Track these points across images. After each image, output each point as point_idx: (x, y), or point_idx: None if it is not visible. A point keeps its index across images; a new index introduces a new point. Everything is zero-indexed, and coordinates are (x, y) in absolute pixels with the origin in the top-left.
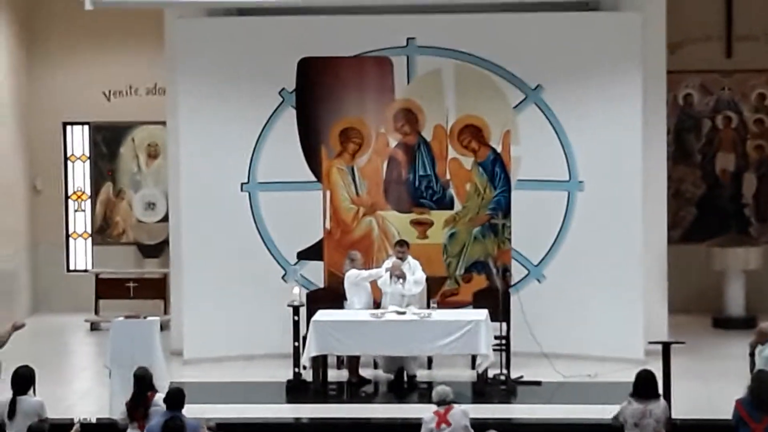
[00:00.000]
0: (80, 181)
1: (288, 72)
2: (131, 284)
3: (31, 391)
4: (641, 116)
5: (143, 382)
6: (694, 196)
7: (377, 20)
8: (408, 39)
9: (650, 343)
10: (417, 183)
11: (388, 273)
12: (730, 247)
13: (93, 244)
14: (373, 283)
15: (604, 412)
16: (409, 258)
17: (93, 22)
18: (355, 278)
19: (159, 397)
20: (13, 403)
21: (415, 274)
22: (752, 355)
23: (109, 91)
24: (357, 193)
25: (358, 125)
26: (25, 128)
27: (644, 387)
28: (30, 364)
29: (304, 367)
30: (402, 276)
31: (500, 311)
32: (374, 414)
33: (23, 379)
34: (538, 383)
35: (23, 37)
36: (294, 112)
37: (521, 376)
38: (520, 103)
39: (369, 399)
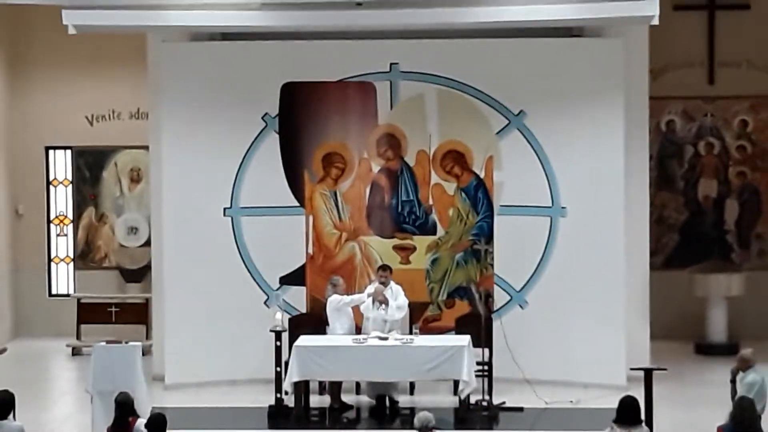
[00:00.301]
0: (62, 205)
1: (271, 97)
2: (113, 309)
3: (11, 416)
4: (623, 142)
5: (124, 407)
6: (677, 223)
7: (360, 45)
8: (391, 64)
9: (632, 369)
10: (400, 208)
11: (371, 298)
12: (712, 274)
13: (75, 268)
14: (356, 309)
15: None
16: (392, 283)
17: (76, 46)
18: (337, 303)
19: (140, 423)
20: None
21: (398, 299)
22: (733, 381)
23: (92, 116)
24: (340, 218)
25: (341, 150)
26: (8, 152)
27: (627, 413)
28: (11, 389)
29: (286, 393)
30: (384, 301)
31: (483, 337)
32: None
33: (3, 404)
34: (520, 409)
35: (6, 61)
36: (277, 137)
37: (503, 402)
38: (503, 128)
39: (351, 425)
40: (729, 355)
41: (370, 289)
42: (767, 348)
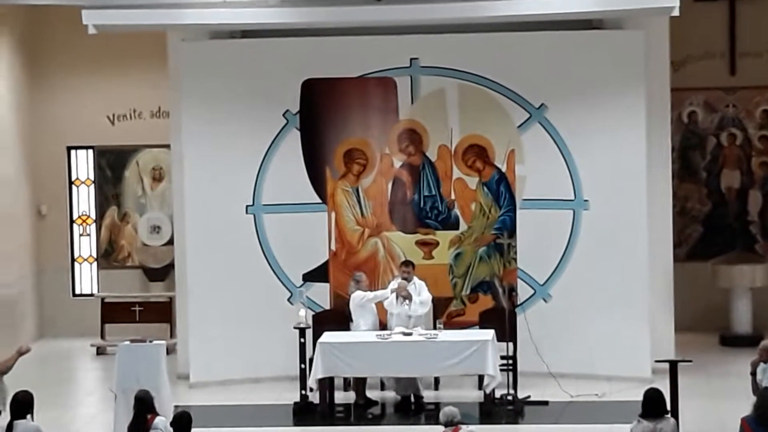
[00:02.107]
0: (85, 205)
1: (292, 94)
2: (137, 308)
3: (29, 416)
4: (645, 134)
5: (143, 404)
6: (700, 214)
7: (380, 41)
8: (411, 59)
9: (657, 361)
10: (422, 203)
11: (394, 294)
12: (736, 265)
13: (98, 268)
14: (379, 305)
15: (611, 431)
16: (415, 279)
17: (96, 46)
18: (360, 300)
19: (159, 421)
20: (9, 428)
21: (421, 294)
22: (753, 374)
23: (113, 115)
24: (362, 214)
25: (362, 146)
26: (30, 153)
27: (652, 406)
28: (36, 389)
29: (311, 389)
30: (408, 297)
31: (507, 331)
32: None
33: (21, 404)
34: (545, 403)
35: (27, 62)
36: (298, 133)
37: (528, 396)
38: (524, 122)
39: (376, 421)
40: (754, 347)
41: (394, 284)
42: None
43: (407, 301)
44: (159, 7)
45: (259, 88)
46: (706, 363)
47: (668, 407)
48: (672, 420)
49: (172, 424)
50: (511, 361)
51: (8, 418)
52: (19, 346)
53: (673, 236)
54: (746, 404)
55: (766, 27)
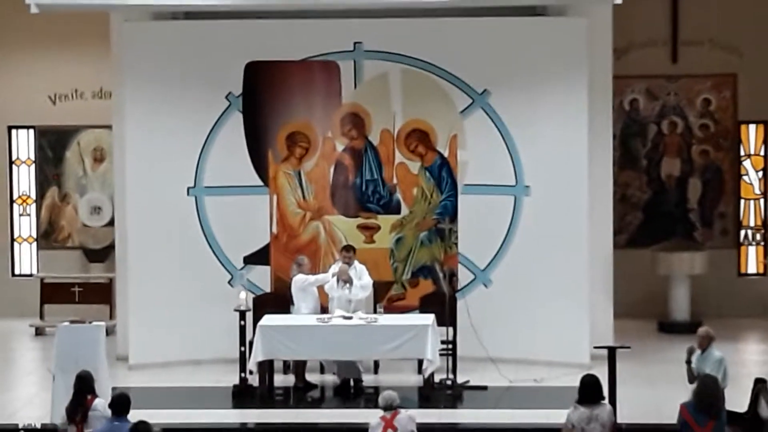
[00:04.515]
0: (25, 185)
1: (235, 76)
2: (76, 289)
3: None
4: (587, 121)
5: (84, 383)
6: (640, 201)
7: (324, 24)
8: (355, 43)
9: (596, 347)
10: (364, 187)
11: (335, 278)
12: (675, 252)
13: (38, 248)
14: (321, 288)
15: (550, 416)
16: (356, 263)
17: (38, 25)
18: (302, 283)
19: (98, 402)
20: None
21: (362, 278)
22: (689, 362)
23: (55, 95)
24: (304, 198)
25: (305, 129)
26: None
27: (589, 392)
28: None
29: (251, 372)
30: (349, 281)
31: (447, 316)
32: (321, 419)
33: None
34: (484, 388)
35: None
36: (241, 116)
37: (467, 381)
38: (467, 107)
39: (316, 404)
40: (691, 333)
41: (335, 268)
42: (729, 326)
43: (348, 285)
44: None
45: (201, 70)
46: (645, 350)
47: (605, 393)
48: (608, 406)
49: (110, 405)
50: (450, 346)
51: None
52: None
53: (614, 223)
54: (683, 391)
55: (708, 15)
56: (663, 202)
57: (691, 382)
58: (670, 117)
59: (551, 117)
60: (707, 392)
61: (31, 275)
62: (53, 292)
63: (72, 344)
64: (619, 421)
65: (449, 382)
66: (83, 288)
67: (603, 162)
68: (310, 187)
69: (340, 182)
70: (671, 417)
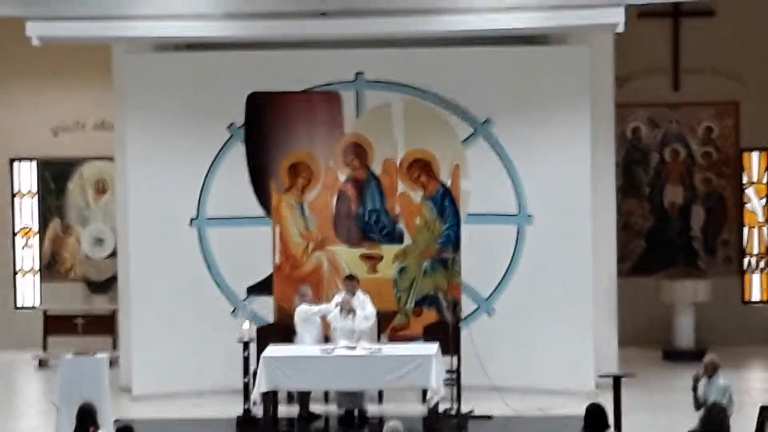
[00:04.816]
0: (28, 217)
1: (236, 107)
2: (79, 321)
3: None
4: (590, 149)
5: (86, 416)
6: (643, 229)
7: (326, 54)
8: (357, 74)
9: (600, 376)
10: (366, 217)
11: (338, 308)
12: (678, 280)
13: (41, 280)
14: (324, 318)
15: None
16: (359, 292)
17: (40, 57)
18: (305, 313)
19: None
20: None
21: (365, 308)
22: (695, 389)
23: (57, 127)
24: (306, 228)
25: (307, 160)
26: None
27: (594, 420)
28: None
29: (255, 403)
30: (352, 311)
31: (451, 345)
32: None
33: None
34: (488, 417)
35: None
36: (243, 147)
37: (472, 410)
38: (469, 137)
39: None
40: (696, 361)
41: (338, 298)
42: (733, 353)
43: (351, 315)
44: (103, 19)
45: (203, 101)
46: (649, 377)
47: (610, 422)
48: None
49: None
50: (454, 375)
51: None
52: None
53: (617, 251)
54: (689, 418)
55: (710, 43)
56: (666, 230)
57: (696, 409)
58: (673, 145)
59: (553, 145)
60: (714, 421)
61: (33, 307)
62: (56, 324)
63: (75, 376)
64: None
65: (453, 412)
66: (86, 320)
67: (606, 190)
68: (313, 217)
69: (343, 212)
70: None
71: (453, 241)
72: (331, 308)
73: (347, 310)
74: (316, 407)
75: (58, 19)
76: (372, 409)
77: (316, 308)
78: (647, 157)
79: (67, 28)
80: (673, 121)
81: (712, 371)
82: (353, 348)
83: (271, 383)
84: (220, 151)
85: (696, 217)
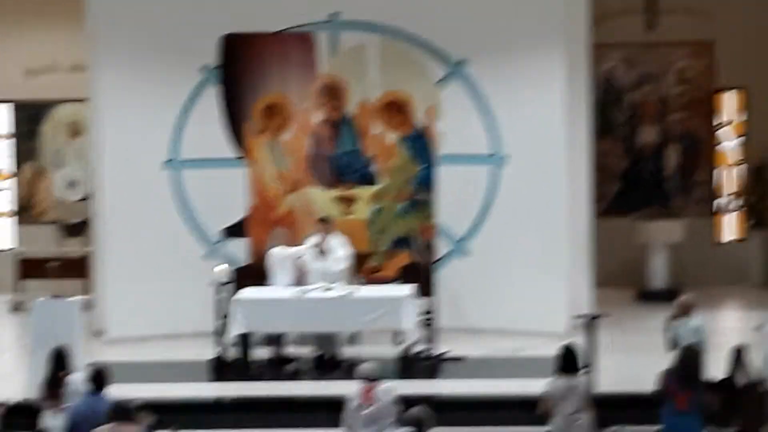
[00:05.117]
0: (2, 159)
1: (210, 48)
2: (53, 264)
3: None
4: (565, 90)
5: (59, 359)
6: (618, 170)
7: None
8: (331, 14)
9: (575, 317)
10: (341, 159)
11: (311, 249)
12: (653, 221)
13: (16, 223)
14: (299, 260)
15: (528, 386)
16: (337, 234)
17: None
18: (279, 256)
19: (74, 377)
20: None
21: (340, 251)
22: (667, 329)
23: (30, 69)
24: (281, 170)
25: (281, 101)
26: None
27: (567, 362)
28: None
29: (228, 346)
30: (325, 252)
31: (425, 287)
32: (299, 391)
33: None
34: (462, 359)
35: None
36: (217, 88)
37: (445, 352)
38: (444, 77)
39: (293, 377)
40: (670, 302)
41: (312, 240)
42: (706, 294)
43: (325, 257)
44: None
45: (177, 43)
46: (623, 318)
47: (584, 362)
48: (586, 376)
49: (88, 379)
50: (429, 317)
51: None
52: None
53: (592, 192)
54: (662, 359)
55: None
56: (640, 171)
57: (669, 350)
58: (648, 85)
59: (529, 86)
60: (690, 362)
61: (8, 250)
62: (29, 268)
63: (48, 319)
64: (598, 389)
65: (427, 353)
66: (59, 263)
67: (581, 131)
68: (288, 159)
69: (318, 154)
70: (650, 385)
71: (428, 183)
72: (303, 250)
73: (321, 250)
74: (289, 350)
75: None
76: (346, 351)
77: (288, 251)
78: (622, 97)
79: None
80: (648, 61)
81: (685, 312)
82: (328, 290)
83: (244, 326)
84: (194, 92)
85: (670, 158)
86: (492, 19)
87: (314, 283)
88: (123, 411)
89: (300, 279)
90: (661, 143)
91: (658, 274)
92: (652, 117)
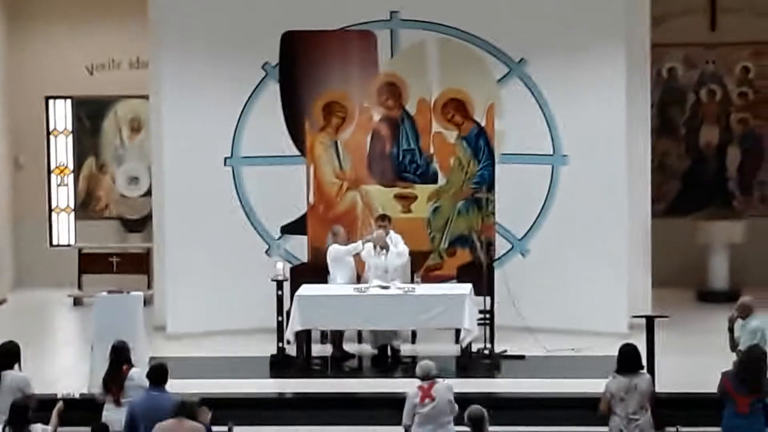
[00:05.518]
0: (63, 155)
1: (272, 46)
2: (114, 259)
3: (16, 366)
4: (625, 90)
5: (120, 354)
6: (679, 170)
7: None
8: (392, 12)
9: (634, 317)
10: (401, 157)
11: (371, 244)
12: (714, 221)
13: (76, 218)
14: (357, 258)
15: (587, 385)
16: (392, 232)
17: None
18: (336, 253)
19: (135, 372)
20: None
21: (398, 246)
22: (731, 330)
23: (92, 65)
24: (341, 168)
25: (341, 99)
26: (7, 103)
27: (628, 361)
28: (13, 340)
29: (288, 342)
30: (385, 247)
31: (484, 285)
32: (358, 388)
33: (8, 354)
34: (521, 357)
35: (4, 10)
36: (277, 85)
37: (505, 350)
38: (504, 76)
39: (353, 373)
40: (730, 302)
41: (372, 237)
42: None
43: (384, 252)
44: None
45: (238, 40)
46: (683, 319)
47: (644, 363)
48: (647, 375)
49: (148, 375)
50: (488, 315)
51: None
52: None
53: (652, 192)
54: (722, 360)
55: None
56: (702, 171)
57: (732, 350)
58: (709, 85)
59: (589, 85)
60: (751, 365)
61: (68, 245)
62: (91, 263)
63: (110, 314)
64: (657, 390)
65: (487, 352)
66: (121, 258)
67: (641, 130)
68: (347, 156)
69: (377, 152)
70: (709, 386)
71: (487, 181)
72: (360, 246)
73: (381, 246)
74: (349, 346)
75: None
76: (405, 348)
77: (344, 248)
78: (683, 97)
79: None
80: (709, 61)
81: (746, 313)
82: (387, 288)
83: (304, 322)
84: (254, 89)
85: (732, 158)
86: (552, 19)
87: (373, 280)
88: (187, 407)
89: (358, 276)
90: (722, 143)
91: (719, 274)
92: (714, 117)
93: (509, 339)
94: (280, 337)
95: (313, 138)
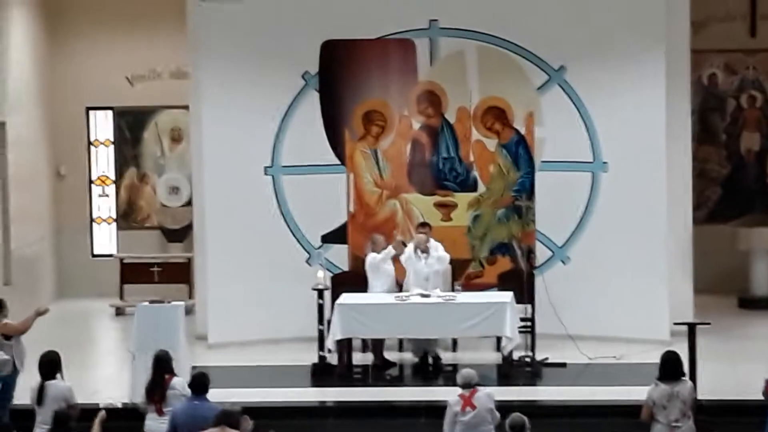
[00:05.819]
0: (104, 166)
1: (311, 55)
2: (155, 269)
3: (58, 375)
4: (665, 96)
5: (161, 363)
6: (719, 176)
7: (400, 2)
8: (430, 21)
9: (675, 324)
10: (440, 165)
11: (412, 248)
12: (755, 227)
13: (117, 228)
14: (398, 266)
15: (629, 393)
16: (431, 240)
17: (115, 5)
18: (372, 261)
19: (177, 381)
20: (41, 389)
21: (440, 250)
22: None
23: (133, 76)
24: (381, 176)
25: (381, 108)
26: (49, 114)
27: (670, 369)
28: (54, 349)
29: (329, 351)
30: (426, 251)
31: (525, 293)
32: (399, 397)
33: (50, 364)
34: (563, 365)
35: (46, 22)
36: (317, 95)
37: (546, 358)
38: (544, 84)
39: (394, 382)
40: None
41: (413, 244)
42: None
43: (425, 257)
44: None
45: (278, 49)
46: (725, 325)
47: (685, 370)
48: (689, 383)
49: (189, 384)
50: (529, 323)
51: (37, 379)
52: (37, 307)
53: (692, 199)
54: (764, 366)
55: None
56: (742, 177)
57: None
58: (749, 91)
59: (628, 92)
60: None
61: (110, 256)
62: (132, 272)
63: (151, 324)
64: (699, 397)
65: (528, 360)
66: (162, 268)
67: (681, 137)
68: (387, 165)
69: (417, 160)
70: (752, 393)
71: (527, 189)
72: (391, 250)
73: (421, 249)
74: (390, 355)
75: None
76: (446, 356)
77: (379, 256)
78: (723, 103)
79: None
80: (749, 67)
81: None
82: (427, 296)
83: (345, 331)
84: (294, 98)
85: None
86: (591, 26)
87: (413, 288)
88: (229, 416)
89: (399, 284)
90: (763, 149)
91: (760, 281)
92: (755, 123)
93: (550, 347)
94: (321, 346)
95: (353, 147)
